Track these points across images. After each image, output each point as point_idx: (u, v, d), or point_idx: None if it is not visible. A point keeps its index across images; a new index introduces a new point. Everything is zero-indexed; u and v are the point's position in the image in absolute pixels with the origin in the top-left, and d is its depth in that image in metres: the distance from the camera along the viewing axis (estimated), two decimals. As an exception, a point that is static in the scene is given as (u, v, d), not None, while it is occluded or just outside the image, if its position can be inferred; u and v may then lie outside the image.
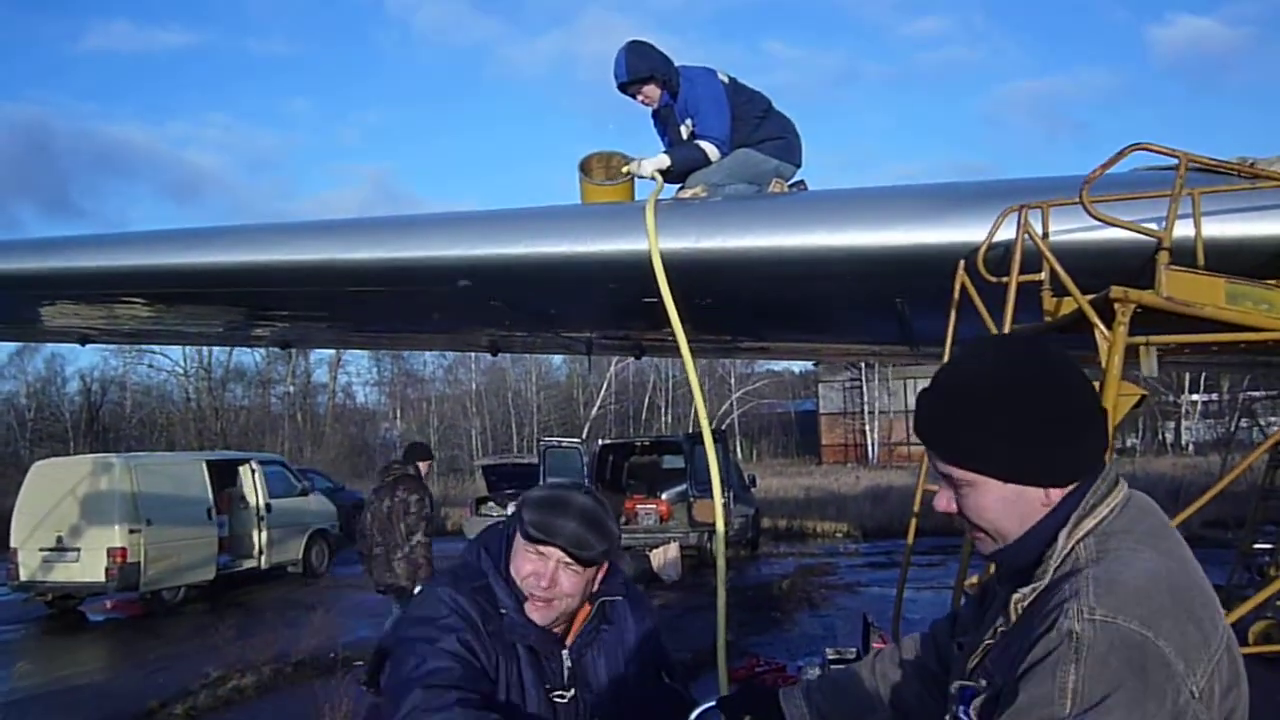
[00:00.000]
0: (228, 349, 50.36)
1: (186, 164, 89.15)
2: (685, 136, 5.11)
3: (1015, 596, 1.53)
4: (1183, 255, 3.28)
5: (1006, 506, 1.55)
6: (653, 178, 4.90)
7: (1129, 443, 43.67)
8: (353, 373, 54.85)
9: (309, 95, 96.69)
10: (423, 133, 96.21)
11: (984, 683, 1.54)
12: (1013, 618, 1.53)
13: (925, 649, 1.99)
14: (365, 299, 4.87)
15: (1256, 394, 33.91)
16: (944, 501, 1.61)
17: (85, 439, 42.46)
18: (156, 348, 51.33)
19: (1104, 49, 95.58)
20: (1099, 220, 3.02)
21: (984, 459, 1.53)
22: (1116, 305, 2.81)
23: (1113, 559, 1.46)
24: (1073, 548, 1.51)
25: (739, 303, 4.80)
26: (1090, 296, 2.96)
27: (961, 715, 1.55)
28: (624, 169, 5.08)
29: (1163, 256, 2.92)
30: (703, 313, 4.31)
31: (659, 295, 4.00)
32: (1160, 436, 44.22)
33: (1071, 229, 3.37)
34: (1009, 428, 1.50)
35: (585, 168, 5.20)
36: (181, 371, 48.41)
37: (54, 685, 9.32)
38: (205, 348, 49.12)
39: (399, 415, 55.32)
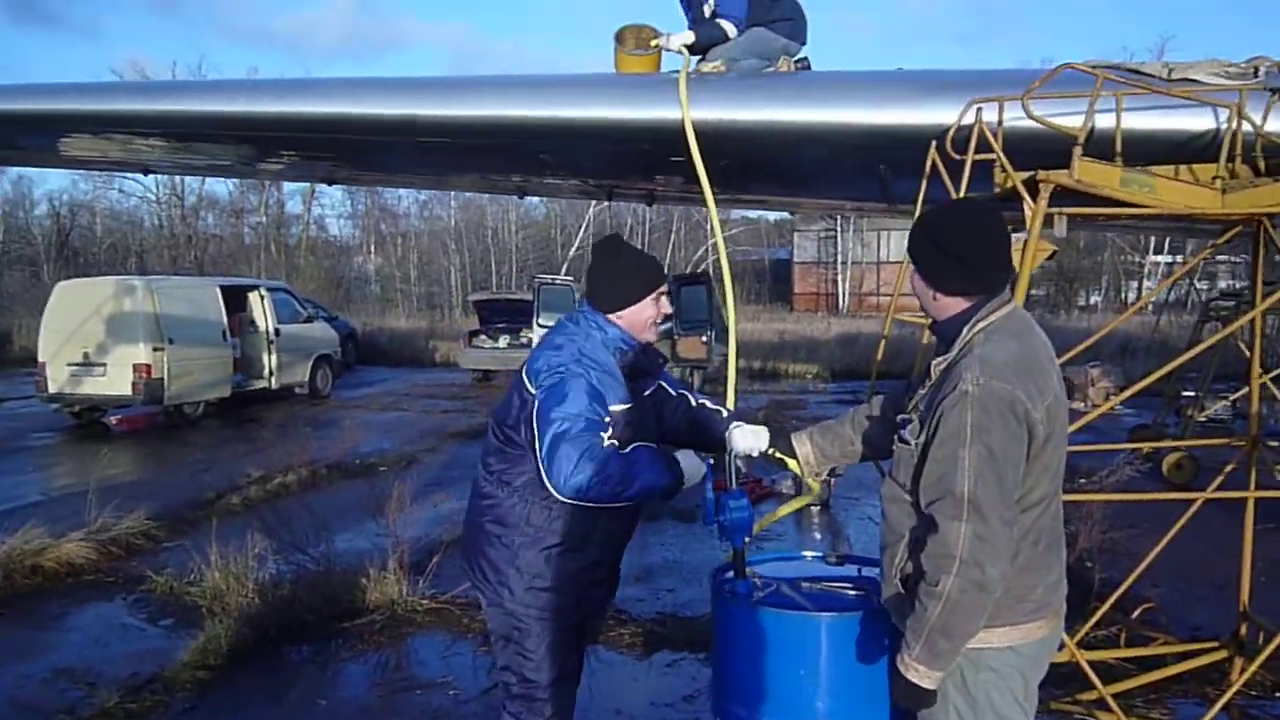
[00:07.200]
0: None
1: None
2: (707, 14, 5.87)
3: (934, 362, 2.47)
4: (1106, 143, 4.24)
5: (941, 303, 2.49)
6: (679, 51, 5.61)
7: (1092, 300, 45.28)
8: (326, 205, 54.39)
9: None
10: None
11: (914, 416, 2.48)
12: (932, 377, 2.42)
13: (887, 405, 2.94)
14: (436, 149, 5.80)
15: (1218, 259, 35.13)
16: (915, 291, 2.58)
17: (56, 263, 42.37)
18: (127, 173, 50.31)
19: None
20: (1033, 119, 4.07)
21: (932, 279, 2.48)
22: (1040, 184, 3.86)
23: (992, 344, 2.30)
24: (971, 336, 2.36)
25: (749, 165, 5.75)
26: (1023, 176, 3.98)
27: (903, 435, 2.49)
28: (653, 42, 5.82)
29: (1076, 150, 3.90)
30: (718, 173, 5.20)
31: (688, 157, 4.87)
32: (1122, 295, 45.42)
33: (1019, 119, 4.30)
34: (948, 263, 2.43)
35: (620, 38, 5.97)
36: (153, 198, 47.68)
37: (103, 484, 8.75)
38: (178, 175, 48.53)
39: (374, 250, 55.30)
